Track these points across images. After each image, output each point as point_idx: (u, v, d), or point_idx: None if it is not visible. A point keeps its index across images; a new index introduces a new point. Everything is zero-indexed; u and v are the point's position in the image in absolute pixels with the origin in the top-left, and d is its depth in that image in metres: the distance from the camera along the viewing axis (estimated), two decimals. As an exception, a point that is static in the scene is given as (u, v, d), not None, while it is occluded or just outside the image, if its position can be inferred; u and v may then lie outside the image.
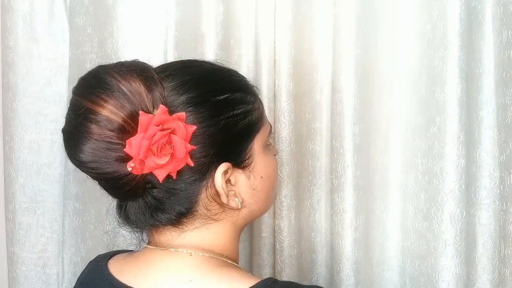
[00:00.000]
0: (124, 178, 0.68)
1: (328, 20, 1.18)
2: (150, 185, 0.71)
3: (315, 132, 1.22)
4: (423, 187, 1.11)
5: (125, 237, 1.24)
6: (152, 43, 1.22)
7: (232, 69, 0.80)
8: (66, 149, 0.72)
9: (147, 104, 0.67)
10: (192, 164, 0.69)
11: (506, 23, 1.00)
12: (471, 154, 1.07)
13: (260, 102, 0.80)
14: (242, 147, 0.75)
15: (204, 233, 0.74)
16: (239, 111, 0.74)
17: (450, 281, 1.08)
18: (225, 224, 0.76)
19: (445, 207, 1.07)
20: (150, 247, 0.76)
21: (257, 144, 0.77)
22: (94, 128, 0.66)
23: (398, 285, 1.18)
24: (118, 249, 0.85)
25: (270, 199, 0.82)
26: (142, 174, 0.68)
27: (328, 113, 1.20)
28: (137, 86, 0.67)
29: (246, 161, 0.76)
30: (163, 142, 0.66)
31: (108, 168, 0.68)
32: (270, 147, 0.82)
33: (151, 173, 0.68)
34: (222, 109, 0.73)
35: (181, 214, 0.73)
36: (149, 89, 0.68)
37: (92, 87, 0.68)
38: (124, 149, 0.66)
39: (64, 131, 0.72)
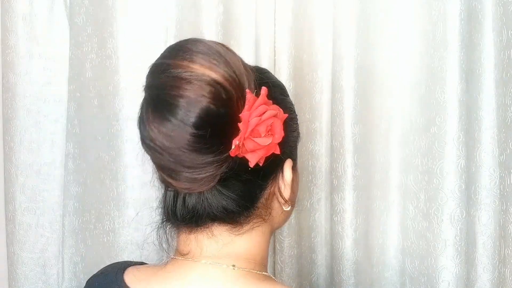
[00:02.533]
0: (213, 162, 0.61)
1: (328, 20, 1.18)
2: (224, 174, 0.64)
3: (315, 132, 1.22)
4: (423, 187, 1.11)
5: (127, 236, 1.24)
6: (152, 43, 1.22)
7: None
8: (153, 115, 0.61)
9: (246, 81, 0.62)
10: (279, 152, 0.64)
11: (506, 23, 1.00)
12: (471, 154, 1.07)
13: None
14: (296, 147, 0.74)
15: (250, 238, 0.69)
16: (294, 113, 0.73)
17: (450, 281, 1.08)
18: (268, 227, 0.72)
19: (445, 207, 1.08)
20: (181, 258, 0.69)
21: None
22: (198, 86, 0.59)
23: (398, 285, 1.18)
24: (118, 251, 0.80)
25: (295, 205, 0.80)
26: (233, 158, 0.62)
27: (328, 113, 1.20)
28: (236, 61, 0.62)
29: (295, 161, 0.74)
30: (269, 123, 0.62)
31: (200, 146, 0.60)
32: None
33: (240, 158, 0.62)
34: (291, 108, 0.72)
35: (245, 208, 0.67)
36: (246, 68, 0.63)
37: (187, 49, 0.61)
38: (238, 123, 0.60)
39: (151, 97, 0.62)
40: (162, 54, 0.64)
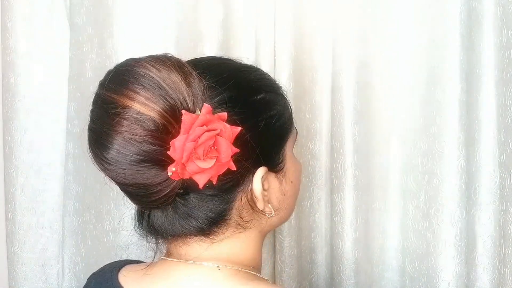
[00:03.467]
0: (159, 185, 0.62)
1: (328, 20, 1.18)
2: (182, 191, 0.64)
3: (315, 132, 1.22)
4: (423, 187, 1.11)
5: (127, 236, 1.24)
6: (152, 43, 1.22)
7: (259, 68, 0.76)
8: (93, 149, 0.64)
9: (187, 101, 0.60)
10: (234, 168, 0.62)
11: (506, 23, 1.00)
12: (471, 154, 1.07)
13: (289, 103, 0.76)
14: (277, 150, 0.71)
15: (233, 244, 0.69)
16: (274, 112, 0.70)
17: (450, 281, 1.08)
18: (253, 232, 0.71)
19: (445, 207, 1.08)
20: (170, 259, 0.70)
21: (287, 147, 0.73)
22: (128, 125, 0.59)
23: (398, 285, 1.18)
24: (117, 252, 0.80)
25: (295, 205, 0.78)
26: (179, 180, 0.62)
27: (328, 113, 1.20)
28: (176, 80, 0.60)
29: (280, 165, 0.71)
30: (209, 144, 0.60)
31: (142, 173, 0.61)
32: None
33: (189, 179, 0.62)
34: (260, 110, 0.68)
35: (213, 223, 0.66)
36: (188, 84, 0.61)
37: (124, 80, 0.61)
38: (167, 151, 0.59)
39: (91, 129, 0.65)
40: (102, 80, 0.64)
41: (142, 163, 0.60)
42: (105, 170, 0.63)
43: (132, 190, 0.64)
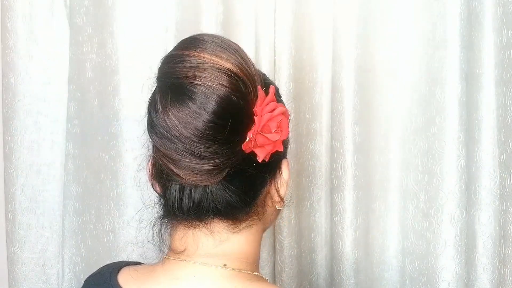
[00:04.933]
0: (224, 153, 0.61)
1: (328, 20, 1.18)
2: (232, 167, 0.64)
3: (315, 132, 1.22)
4: (423, 187, 1.11)
5: (127, 236, 1.24)
6: (152, 43, 1.22)
7: None
8: (168, 103, 0.60)
9: (257, 77, 0.62)
10: (281, 149, 0.66)
11: (506, 23, 1.00)
12: (471, 154, 1.07)
13: None
14: (288, 144, 0.74)
15: (243, 236, 0.69)
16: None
17: (450, 281, 1.08)
18: (260, 226, 0.72)
19: (445, 207, 1.08)
20: (174, 259, 0.69)
21: None
22: (216, 75, 0.59)
23: (398, 285, 1.18)
24: (118, 251, 0.80)
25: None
26: (239, 154, 0.62)
27: (328, 113, 1.20)
28: (247, 57, 0.63)
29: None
30: (279, 120, 0.63)
31: (215, 132, 0.59)
32: None
33: (247, 153, 0.62)
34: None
35: (247, 204, 0.67)
36: (254, 66, 0.63)
37: (203, 41, 0.61)
38: (254, 115, 0.61)
39: (165, 85, 0.60)
40: (175, 47, 0.64)
41: (220, 120, 0.59)
42: (181, 122, 0.59)
43: (197, 151, 0.60)
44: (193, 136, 0.60)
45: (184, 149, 0.61)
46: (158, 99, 0.61)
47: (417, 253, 1.13)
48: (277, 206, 0.72)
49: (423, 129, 1.11)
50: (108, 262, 1.21)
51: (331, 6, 1.16)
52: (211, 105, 0.59)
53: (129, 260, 1.21)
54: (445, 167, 1.07)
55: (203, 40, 0.62)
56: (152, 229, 0.71)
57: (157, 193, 0.70)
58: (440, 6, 1.07)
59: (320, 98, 1.22)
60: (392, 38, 1.14)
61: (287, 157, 0.75)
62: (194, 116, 0.59)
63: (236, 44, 0.63)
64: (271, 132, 0.62)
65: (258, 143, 0.62)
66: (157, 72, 0.63)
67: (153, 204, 0.73)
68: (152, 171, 0.69)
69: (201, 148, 0.60)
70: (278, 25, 1.19)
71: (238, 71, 0.60)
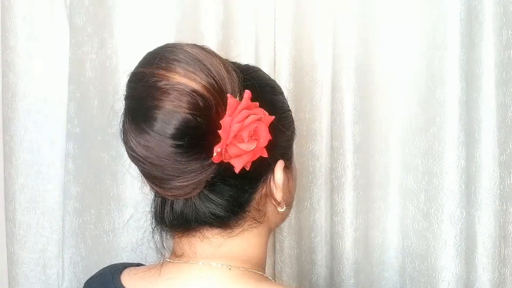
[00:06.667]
0: (197, 168, 0.61)
1: (328, 20, 1.18)
2: (209, 179, 0.64)
3: (315, 132, 1.22)
4: (423, 187, 1.11)
5: (127, 237, 1.24)
6: (152, 43, 1.21)
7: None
8: (132, 126, 0.61)
9: (228, 85, 0.61)
10: (266, 155, 0.64)
11: (506, 23, 1.00)
12: (471, 154, 1.07)
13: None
14: (289, 146, 0.73)
15: (245, 239, 0.69)
16: (288, 111, 0.73)
17: (450, 281, 1.08)
18: (263, 228, 0.71)
19: (445, 207, 1.08)
20: (178, 261, 0.69)
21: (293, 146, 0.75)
22: (176, 96, 0.58)
23: (398, 285, 1.18)
24: (119, 251, 0.79)
25: (293, 204, 0.79)
26: (214, 167, 0.62)
27: (328, 113, 1.20)
28: (217, 64, 0.61)
29: (289, 160, 0.73)
30: (253, 127, 0.61)
31: (181, 152, 0.59)
32: None
33: (222, 165, 0.62)
34: (282, 106, 0.72)
35: (236, 212, 0.67)
36: (227, 70, 0.62)
37: (165, 57, 0.60)
38: (217, 130, 0.59)
39: (130, 107, 0.62)
40: (140, 62, 0.64)
41: (184, 140, 0.59)
42: (144, 146, 0.60)
43: (166, 172, 0.61)
44: (158, 159, 0.60)
45: (155, 169, 0.61)
46: (124, 122, 0.63)
47: (417, 253, 1.13)
48: (278, 209, 0.71)
49: (423, 129, 1.11)
50: (109, 262, 1.21)
51: (331, 6, 1.16)
52: (169, 130, 0.59)
53: (129, 260, 1.22)
54: (445, 167, 1.07)
55: (165, 57, 0.61)
56: (152, 233, 0.71)
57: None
58: (440, 6, 1.07)
59: (320, 98, 1.22)
60: (392, 38, 1.14)
61: (291, 156, 0.74)
62: (155, 142, 0.59)
63: (202, 51, 0.62)
64: (244, 142, 0.61)
65: (231, 155, 0.61)
66: (125, 89, 0.64)
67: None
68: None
69: (170, 168, 0.61)
70: (278, 25, 1.19)
71: (200, 89, 0.59)
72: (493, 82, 1.05)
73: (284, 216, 0.76)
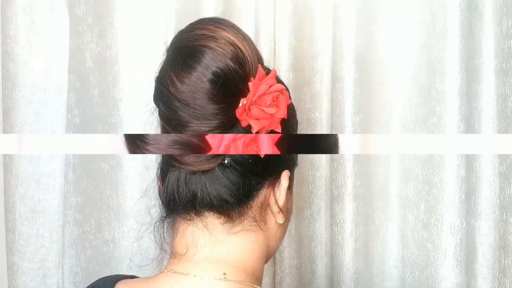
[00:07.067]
0: (220, 113, 0.64)
1: (328, 10, 1.18)
2: (226, 161, 0.66)
3: (315, 122, 1.22)
4: (423, 197, 1.11)
5: (127, 247, 1.24)
6: (152, 33, 1.22)
7: None
8: (173, 66, 0.64)
9: (259, 60, 0.67)
10: (280, 130, 0.66)
11: (506, 13, 1.00)
12: (471, 164, 1.07)
13: None
14: (294, 164, 0.74)
15: (243, 242, 0.69)
16: (296, 121, 0.75)
17: (450, 291, 1.08)
18: (262, 236, 0.71)
19: (445, 217, 1.07)
20: (174, 273, 0.69)
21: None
22: (219, 45, 0.63)
23: (398, 295, 1.18)
24: (118, 261, 0.79)
25: (286, 231, 0.79)
26: (239, 125, 0.65)
27: (328, 102, 1.20)
28: (255, 47, 0.67)
29: (292, 181, 0.74)
30: (275, 95, 0.66)
31: (213, 101, 0.63)
32: None
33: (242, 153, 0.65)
34: (291, 114, 0.72)
35: (240, 201, 0.68)
36: (256, 49, 0.67)
37: (212, 20, 0.66)
38: (249, 83, 0.64)
39: (176, 49, 0.66)
40: (186, 26, 0.68)
41: (219, 81, 0.63)
42: (184, 80, 0.64)
43: (190, 111, 0.64)
44: (189, 93, 0.64)
45: (181, 107, 0.64)
46: (165, 66, 0.66)
47: (417, 263, 1.13)
48: (278, 220, 0.72)
49: (423, 123, 1.11)
50: (108, 272, 1.21)
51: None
52: (213, 68, 0.63)
53: (130, 270, 1.21)
54: (445, 177, 1.07)
55: (212, 19, 0.67)
56: (154, 234, 0.71)
57: (160, 194, 0.71)
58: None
59: (320, 88, 1.21)
60: (392, 28, 1.14)
61: (293, 178, 0.74)
62: (196, 76, 0.63)
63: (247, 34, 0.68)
64: (266, 106, 0.65)
65: (253, 114, 0.65)
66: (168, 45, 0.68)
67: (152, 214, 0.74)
68: (157, 172, 0.71)
69: (195, 107, 0.64)
70: (278, 14, 1.19)
71: (243, 47, 0.64)
72: (493, 72, 1.05)
73: (282, 232, 0.76)
